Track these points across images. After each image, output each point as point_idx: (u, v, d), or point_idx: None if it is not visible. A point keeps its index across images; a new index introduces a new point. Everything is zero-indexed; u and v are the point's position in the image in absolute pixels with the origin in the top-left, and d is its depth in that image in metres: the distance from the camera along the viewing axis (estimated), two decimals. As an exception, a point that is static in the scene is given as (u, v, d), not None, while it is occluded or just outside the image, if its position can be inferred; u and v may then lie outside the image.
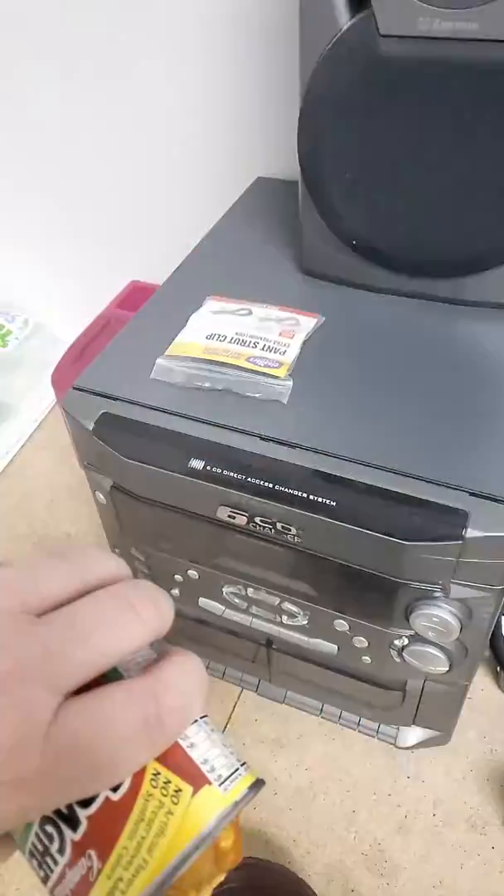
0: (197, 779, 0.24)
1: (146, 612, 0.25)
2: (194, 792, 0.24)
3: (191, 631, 0.67)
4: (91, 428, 0.50)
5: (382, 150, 0.49)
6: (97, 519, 0.94)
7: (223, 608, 0.60)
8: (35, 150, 0.95)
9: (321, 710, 0.70)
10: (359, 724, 0.69)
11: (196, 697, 0.25)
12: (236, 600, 0.58)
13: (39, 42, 0.82)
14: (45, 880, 0.24)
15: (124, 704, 0.23)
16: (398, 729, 0.68)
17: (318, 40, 0.47)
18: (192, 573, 0.58)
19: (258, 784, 0.26)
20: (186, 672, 0.25)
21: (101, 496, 0.56)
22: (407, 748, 0.68)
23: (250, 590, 0.56)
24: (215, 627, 0.65)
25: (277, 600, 0.56)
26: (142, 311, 0.60)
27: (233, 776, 0.25)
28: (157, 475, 0.49)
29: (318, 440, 0.48)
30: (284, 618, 0.57)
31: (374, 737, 0.68)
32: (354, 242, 0.55)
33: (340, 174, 0.52)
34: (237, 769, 0.25)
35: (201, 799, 0.24)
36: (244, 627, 0.61)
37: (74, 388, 0.53)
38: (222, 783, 0.25)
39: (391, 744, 0.68)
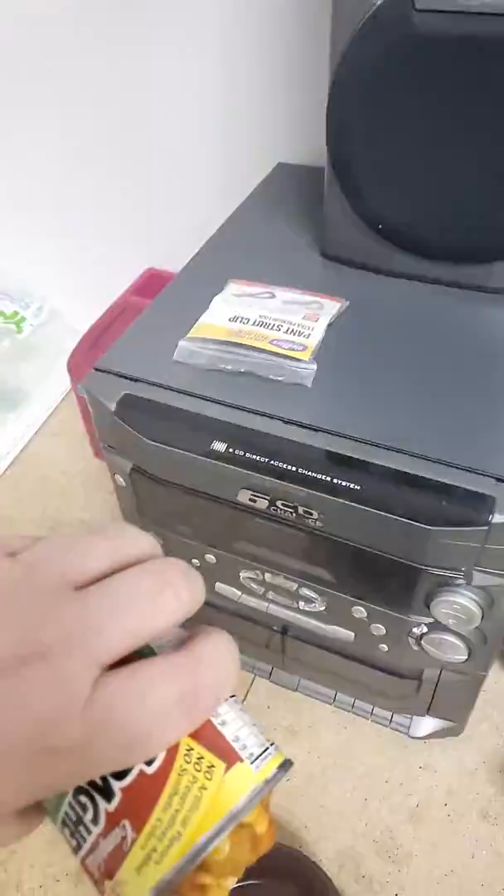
0: (229, 756, 0.24)
1: (182, 588, 0.25)
2: (227, 768, 0.24)
3: (205, 616, 0.67)
4: (113, 409, 0.50)
5: (414, 129, 0.49)
6: (111, 505, 0.94)
7: (239, 593, 0.60)
8: (50, 137, 0.95)
9: (334, 698, 0.70)
10: (372, 713, 0.69)
11: (230, 674, 0.25)
12: (253, 585, 0.58)
13: (58, 23, 0.82)
14: (76, 849, 0.24)
15: (162, 679, 0.23)
16: (411, 719, 0.68)
17: (350, 16, 0.46)
18: (210, 557, 0.58)
19: (287, 764, 0.26)
20: (221, 649, 0.25)
21: (120, 479, 0.56)
22: (420, 738, 0.68)
23: (268, 575, 0.56)
24: (230, 613, 0.65)
25: (295, 586, 0.56)
26: (163, 294, 0.60)
27: (264, 755, 0.25)
28: (179, 457, 0.49)
29: (342, 424, 0.47)
30: (301, 604, 0.57)
31: (387, 726, 0.68)
32: (380, 226, 0.55)
33: (369, 154, 0.51)
34: (267, 748, 0.26)
35: (234, 775, 0.24)
36: (260, 613, 0.61)
37: (96, 370, 0.53)
38: (254, 761, 0.25)
39: (404, 733, 0.68)
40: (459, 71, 0.45)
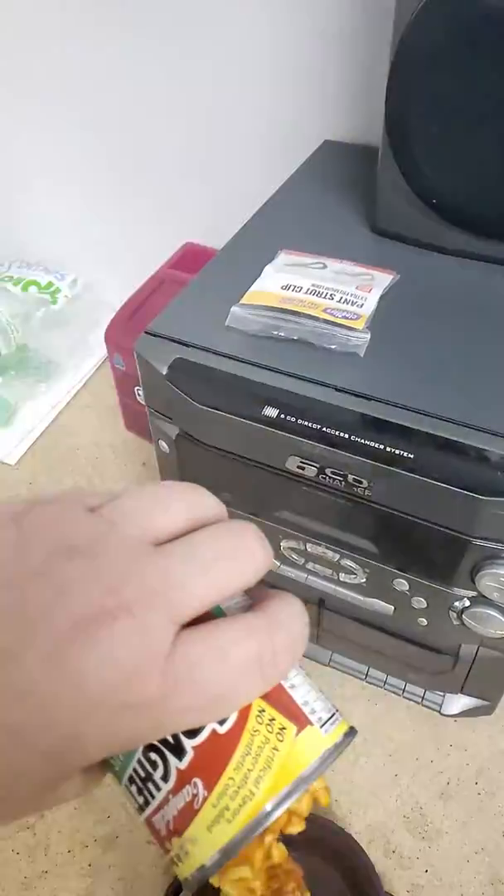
0: (300, 719, 0.25)
1: (258, 550, 0.25)
2: (298, 731, 0.25)
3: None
4: (164, 373, 0.50)
5: (476, 103, 0.48)
6: (142, 478, 0.95)
7: (279, 564, 0.60)
8: (88, 107, 0.94)
9: (367, 674, 0.70)
10: (404, 689, 0.69)
11: (303, 636, 0.26)
12: (294, 556, 0.58)
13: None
14: (142, 806, 0.25)
15: (241, 638, 0.24)
16: (444, 696, 0.68)
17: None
18: (251, 527, 0.58)
19: (352, 732, 0.26)
20: (296, 611, 0.26)
21: (164, 445, 0.56)
22: (451, 716, 0.68)
23: (310, 545, 0.56)
24: (266, 584, 0.65)
25: (337, 557, 0.56)
26: (212, 262, 0.60)
27: (331, 720, 0.26)
28: (230, 422, 0.49)
29: (395, 393, 0.47)
30: (342, 575, 0.57)
31: (419, 703, 0.68)
32: (434, 200, 0.54)
33: (427, 127, 0.51)
34: (334, 714, 0.26)
35: (304, 739, 0.25)
36: (298, 585, 0.61)
37: (147, 333, 0.53)
38: (323, 725, 0.25)
39: (436, 711, 0.68)
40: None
